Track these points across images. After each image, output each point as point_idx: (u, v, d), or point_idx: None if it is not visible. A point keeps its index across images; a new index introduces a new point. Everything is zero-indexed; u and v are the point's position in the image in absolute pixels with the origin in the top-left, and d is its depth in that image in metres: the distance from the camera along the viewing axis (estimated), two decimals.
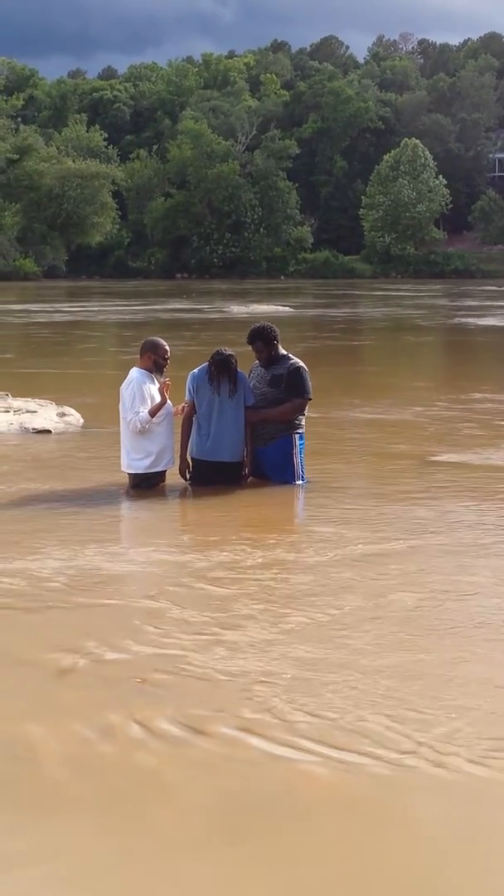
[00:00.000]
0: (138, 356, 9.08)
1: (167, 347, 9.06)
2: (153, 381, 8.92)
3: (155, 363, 8.96)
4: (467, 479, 9.64)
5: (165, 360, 9.02)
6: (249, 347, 9.21)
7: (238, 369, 8.97)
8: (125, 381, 8.92)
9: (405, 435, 12.18)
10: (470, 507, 8.46)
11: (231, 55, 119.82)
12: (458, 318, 36.92)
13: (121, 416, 8.90)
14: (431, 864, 3.42)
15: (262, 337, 9.08)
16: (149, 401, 8.76)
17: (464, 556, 6.99)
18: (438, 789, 3.86)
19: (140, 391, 8.75)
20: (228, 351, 9.02)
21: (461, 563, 6.79)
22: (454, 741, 4.18)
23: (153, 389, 8.86)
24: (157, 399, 8.82)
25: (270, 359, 9.11)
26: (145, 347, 9.03)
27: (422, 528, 7.68)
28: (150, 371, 8.95)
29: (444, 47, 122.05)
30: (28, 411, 12.74)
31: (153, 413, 8.73)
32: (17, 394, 13.87)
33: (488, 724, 4.36)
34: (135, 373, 8.92)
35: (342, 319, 37.30)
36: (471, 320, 35.71)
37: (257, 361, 9.24)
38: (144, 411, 8.69)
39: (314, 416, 11.82)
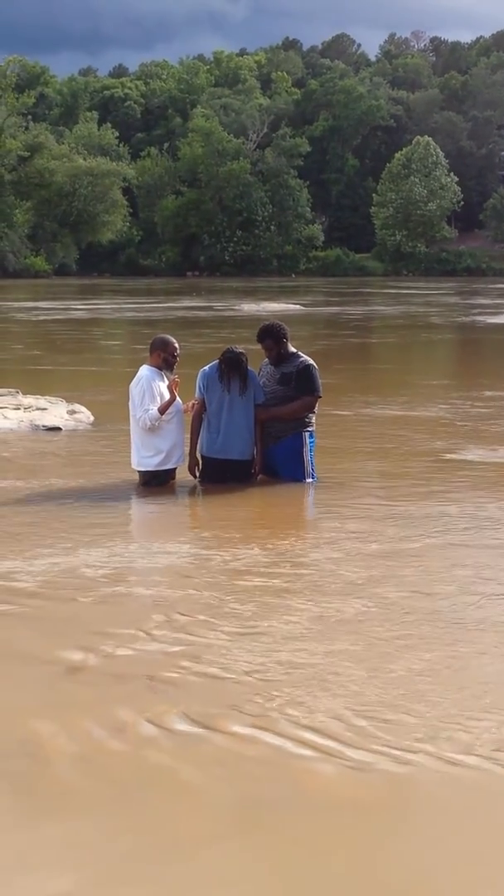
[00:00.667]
0: (148, 353, 9.09)
1: (177, 345, 9.06)
2: (163, 378, 8.92)
3: (165, 361, 8.96)
4: (491, 476, 9.63)
5: (175, 357, 9.02)
6: (259, 345, 9.20)
7: (248, 367, 8.97)
8: (135, 379, 8.92)
9: (427, 432, 12.15)
10: (491, 503, 8.43)
11: (242, 53, 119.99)
12: (472, 317, 36.84)
13: (131, 413, 8.90)
14: (442, 863, 3.41)
15: (271, 335, 9.07)
16: (158, 398, 8.75)
17: (491, 553, 6.97)
18: (454, 788, 3.85)
19: (150, 389, 8.75)
20: (239, 349, 9.01)
21: (488, 561, 6.77)
22: (471, 739, 4.17)
23: (163, 387, 8.86)
24: (167, 396, 8.82)
25: (280, 357, 9.10)
26: (155, 345, 9.03)
27: (439, 525, 7.66)
28: (160, 368, 8.95)
29: (456, 45, 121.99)
30: (38, 408, 12.76)
31: (163, 410, 8.72)
32: (28, 391, 13.89)
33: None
34: (144, 370, 8.92)
35: (355, 317, 37.27)
36: (488, 319, 35.61)
37: (267, 359, 9.24)
38: (154, 409, 8.69)
39: (334, 413, 11.82)
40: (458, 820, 3.67)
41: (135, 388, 8.85)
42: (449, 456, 10.58)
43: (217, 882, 3.29)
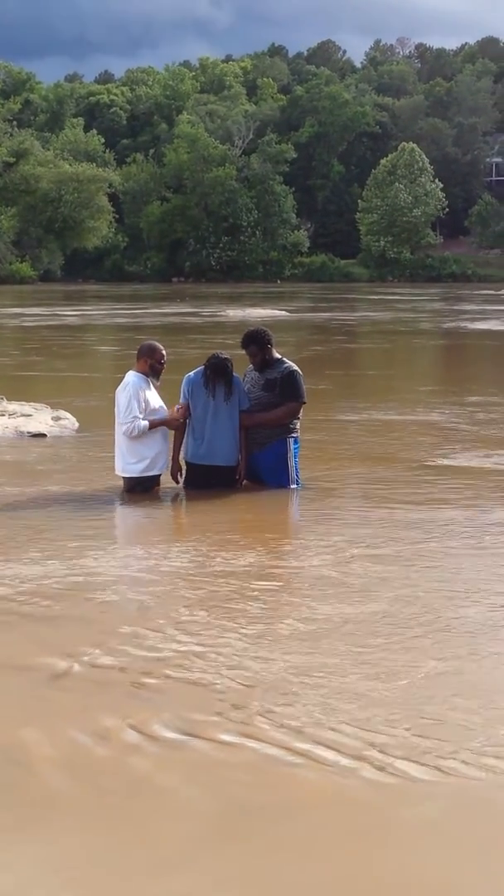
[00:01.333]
0: (135, 360, 9.07)
1: (164, 351, 9.06)
2: (149, 385, 8.92)
3: (151, 367, 8.95)
4: (485, 481, 9.66)
5: (162, 364, 9.01)
6: (244, 351, 9.21)
7: (234, 373, 8.97)
8: (121, 385, 8.91)
9: (416, 437, 12.16)
10: (486, 508, 8.45)
11: (228, 59, 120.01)
12: (458, 322, 36.90)
13: (116, 419, 8.89)
14: (428, 869, 3.41)
15: (255, 341, 9.07)
16: (143, 405, 8.75)
17: (490, 559, 6.98)
18: (437, 795, 3.85)
19: (136, 396, 8.74)
20: (225, 354, 9.02)
21: (487, 565, 6.78)
22: (461, 746, 4.17)
23: (149, 394, 8.85)
24: (153, 404, 8.82)
25: (264, 362, 9.10)
26: (142, 351, 9.02)
27: (429, 530, 7.67)
28: (147, 375, 8.95)
29: (441, 52, 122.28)
30: (23, 415, 12.74)
31: (153, 426, 8.74)
32: (12, 397, 13.86)
33: (489, 727, 4.35)
34: (131, 376, 8.90)
35: (341, 323, 37.30)
36: (474, 325, 35.66)
37: (251, 365, 9.24)
38: (145, 422, 8.69)
39: (322, 419, 11.80)
40: (446, 828, 3.66)
41: (121, 393, 8.84)
42: (440, 462, 10.59)
43: (201, 889, 3.29)
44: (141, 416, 8.72)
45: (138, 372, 8.95)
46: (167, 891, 3.28)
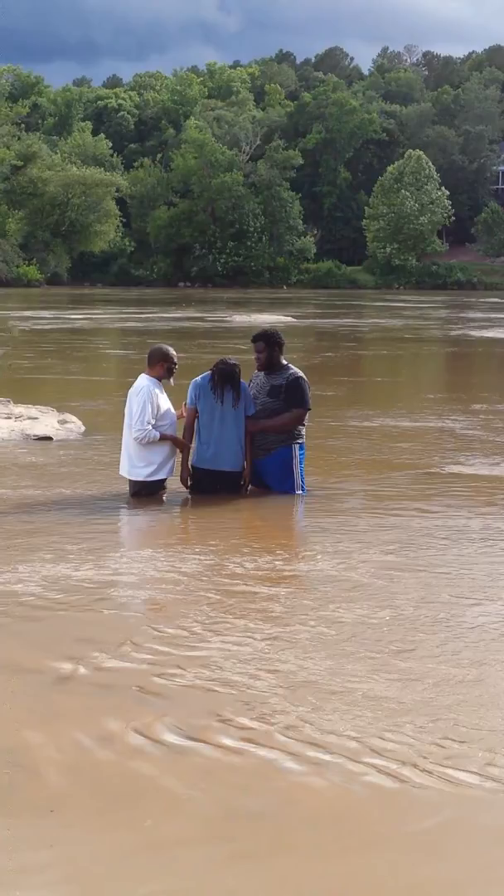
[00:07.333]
0: (147, 365, 9.05)
1: (175, 353, 9.12)
2: (161, 389, 8.96)
3: (168, 370, 9.01)
4: (488, 490, 9.65)
5: (176, 365, 9.07)
6: (252, 356, 9.21)
7: (241, 379, 8.97)
8: (134, 389, 8.91)
9: (424, 444, 12.14)
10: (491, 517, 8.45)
11: (236, 65, 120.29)
12: (465, 330, 36.86)
13: (126, 422, 8.89)
14: (430, 876, 3.40)
15: (265, 338, 9.09)
16: (156, 409, 8.76)
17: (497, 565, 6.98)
18: (439, 801, 3.84)
19: (152, 402, 8.74)
20: (233, 360, 9.02)
21: (494, 572, 6.78)
22: (455, 753, 4.16)
23: (161, 399, 8.87)
24: (163, 408, 8.84)
25: (269, 363, 9.09)
26: (156, 356, 9.02)
27: (437, 537, 7.67)
28: (162, 378, 8.98)
29: (449, 60, 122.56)
30: (29, 418, 12.74)
31: (164, 438, 8.76)
32: (19, 400, 13.86)
33: (492, 734, 4.34)
34: (145, 381, 8.90)
35: (348, 330, 37.28)
36: (484, 333, 35.64)
37: (257, 371, 9.23)
38: (156, 433, 8.71)
39: (330, 425, 11.81)
40: (451, 837, 3.65)
41: (134, 397, 8.83)
42: (447, 469, 10.58)
43: (202, 893, 3.28)
44: (154, 422, 8.73)
45: (153, 377, 8.96)
46: (168, 894, 3.27)
